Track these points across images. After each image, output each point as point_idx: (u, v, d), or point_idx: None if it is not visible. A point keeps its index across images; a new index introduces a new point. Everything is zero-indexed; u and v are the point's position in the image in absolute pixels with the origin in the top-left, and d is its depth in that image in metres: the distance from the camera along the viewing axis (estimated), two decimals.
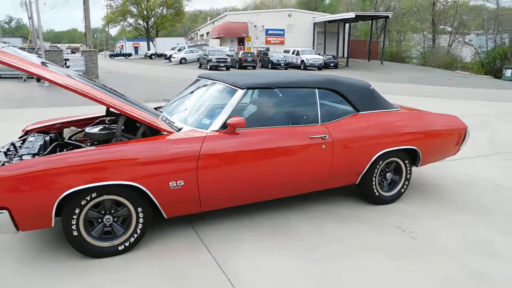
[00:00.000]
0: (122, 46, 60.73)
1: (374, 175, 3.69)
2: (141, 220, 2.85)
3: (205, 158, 2.88)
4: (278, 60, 29.12)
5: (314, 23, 37.29)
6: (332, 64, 30.48)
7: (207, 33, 43.18)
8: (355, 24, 41.83)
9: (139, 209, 2.82)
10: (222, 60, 25.39)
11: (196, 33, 53.88)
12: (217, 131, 3.00)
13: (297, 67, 29.81)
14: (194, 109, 3.38)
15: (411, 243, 3.13)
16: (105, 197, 2.70)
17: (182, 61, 31.62)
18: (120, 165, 2.66)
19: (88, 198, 2.64)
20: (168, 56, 35.08)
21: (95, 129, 3.26)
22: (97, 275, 2.60)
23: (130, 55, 49.52)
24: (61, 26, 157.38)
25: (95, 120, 3.86)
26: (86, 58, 15.91)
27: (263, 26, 35.58)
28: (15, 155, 2.95)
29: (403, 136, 3.71)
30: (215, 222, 3.36)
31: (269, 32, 36.06)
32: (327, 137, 3.34)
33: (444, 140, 4.04)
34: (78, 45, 48.51)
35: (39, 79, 15.56)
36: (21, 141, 3.36)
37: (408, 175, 3.93)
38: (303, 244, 3.08)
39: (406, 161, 3.87)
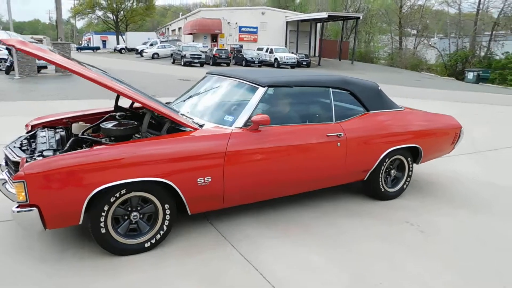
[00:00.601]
0: (89, 39, 58.61)
1: (381, 172, 3.86)
2: (167, 217, 2.84)
3: (231, 155, 2.90)
4: (252, 58, 29.20)
5: (287, 22, 37.64)
6: (304, 63, 30.94)
7: (179, 28, 42.54)
8: (326, 24, 42.65)
9: (166, 206, 2.81)
10: (196, 56, 25.14)
11: (167, 28, 52.91)
12: (241, 128, 3.03)
13: (270, 65, 30.01)
14: (213, 106, 3.39)
15: (421, 236, 3.30)
16: (133, 193, 2.68)
17: (155, 56, 30.99)
18: (152, 161, 2.64)
19: (117, 194, 2.61)
20: (139, 50, 34.28)
21: (110, 125, 3.20)
22: (129, 274, 2.56)
23: (98, 48, 47.90)
24: (21, 16, 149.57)
25: (103, 115, 3.79)
26: (59, 51, 15.28)
27: (236, 23, 35.52)
28: (33, 151, 2.85)
29: (408, 135, 3.89)
30: (232, 219, 3.39)
31: (243, 29, 36.05)
32: (342, 135, 3.45)
33: (443, 138, 4.27)
34: (41, 36, 46.27)
35: (8, 71, 14.80)
36: (30, 137, 3.25)
37: (410, 172, 4.13)
38: (320, 237, 3.18)
39: (409, 159, 4.06)
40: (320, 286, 2.53)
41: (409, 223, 3.54)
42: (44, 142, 2.91)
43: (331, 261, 2.83)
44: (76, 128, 3.58)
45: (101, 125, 3.22)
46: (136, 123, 3.28)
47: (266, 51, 31.00)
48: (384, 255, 2.96)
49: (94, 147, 2.61)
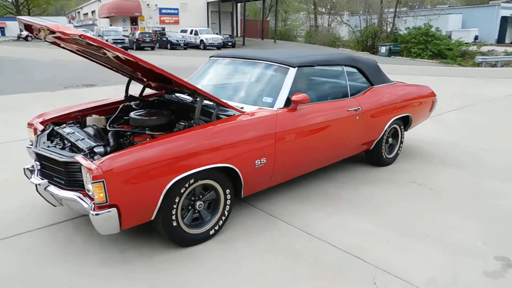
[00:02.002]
0: None
1: (384, 140, 4.24)
2: (228, 202, 2.85)
3: (280, 135, 2.99)
4: (177, 40, 28.35)
5: (208, 2, 36.90)
6: (230, 44, 30.90)
7: (93, 12, 39.12)
8: (246, 4, 42.67)
9: (227, 191, 2.82)
10: (119, 40, 23.64)
11: (78, 12, 48.22)
12: (282, 108, 3.11)
13: (196, 47, 29.45)
14: (245, 89, 3.40)
15: (432, 193, 3.75)
16: (199, 182, 2.64)
17: None
18: (218, 147, 2.62)
19: (186, 185, 2.55)
20: None
21: (139, 115, 3.05)
22: (209, 261, 2.56)
23: None
24: None
25: (114, 105, 3.58)
26: None
27: (156, 5, 33.81)
28: (72, 149, 2.62)
29: (404, 105, 4.31)
30: (269, 199, 3.49)
31: (163, 11, 34.48)
32: (360, 109, 3.71)
33: (425, 107, 4.78)
34: None
35: None
36: (50, 135, 2.96)
37: (402, 139, 4.58)
38: (354, 205, 3.44)
39: (402, 127, 4.51)
40: (385, 248, 2.79)
41: (416, 183, 3.98)
42: (82, 139, 2.69)
43: (377, 225, 3.10)
44: (91, 121, 3.33)
45: (132, 116, 3.05)
46: (166, 112, 3.17)
47: (191, 33, 30.27)
48: (415, 212, 3.32)
49: (165, 138, 2.49)
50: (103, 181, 2.16)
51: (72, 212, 3.16)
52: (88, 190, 2.38)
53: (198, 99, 2.85)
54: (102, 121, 3.44)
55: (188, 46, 28.79)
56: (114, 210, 2.23)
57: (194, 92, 2.80)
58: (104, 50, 2.67)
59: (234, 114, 2.97)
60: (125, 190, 2.26)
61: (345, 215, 3.24)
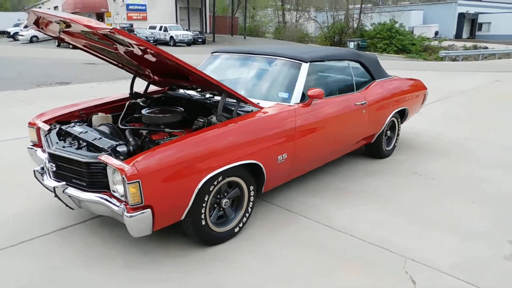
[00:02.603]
0: None
1: (385, 133, 4.34)
2: (251, 199, 2.83)
3: (299, 130, 2.99)
4: (146, 37, 27.62)
5: None
6: (200, 40, 30.51)
7: (55, 7, 37.28)
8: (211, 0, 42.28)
9: (251, 188, 2.79)
10: None
11: (40, 7, 45.74)
12: (299, 103, 3.11)
13: (165, 43, 28.85)
14: (258, 85, 3.37)
15: (434, 182, 3.88)
16: (226, 180, 2.59)
17: (33, 40, 26.94)
18: (245, 144, 2.59)
19: (215, 183, 2.50)
20: (12, 33, 29.33)
21: (150, 112, 2.97)
22: (241, 256, 2.53)
23: None
24: None
25: (119, 103, 3.46)
26: None
27: (123, 0, 32.70)
28: (90, 149, 2.50)
29: (402, 99, 4.43)
30: (281, 194, 3.49)
31: (130, 7, 33.40)
32: (366, 103, 3.78)
33: (418, 100, 4.94)
34: None
35: None
36: (58, 135, 2.81)
37: (399, 131, 4.72)
38: (364, 196, 3.51)
39: (399, 119, 4.63)
40: (403, 237, 2.86)
41: (417, 174, 4.11)
42: (99, 138, 2.56)
43: (391, 215, 3.18)
44: (97, 120, 3.20)
45: (145, 113, 2.95)
46: (179, 108, 3.09)
47: (160, 29, 29.58)
48: (422, 201, 3.43)
49: (193, 136, 2.42)
50: (138, 182, 2.07)
51: (83, 214, 3.03)
52: (114, 191, 2.28)
53: (221, 95, 2.79)
54: (108, 119, 3.30)
55: (157, 42, 28.15)
56: (148, 211, 2.15)
57: (217, 88, 2.74)
58: (120, 45, 2.56)
59: (251, 110, 2.94)
60: (159, 190, 2.18)
61: (358, 207, 3.29)
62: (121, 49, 2.75)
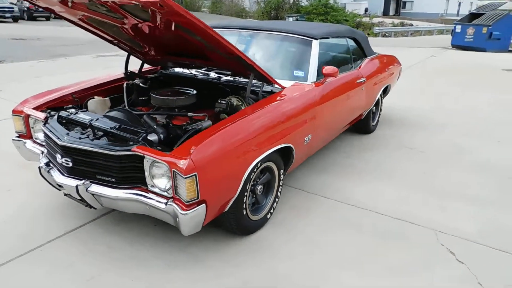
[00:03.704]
0: None
1: (374, 108, 4.44)
2: (281, 183, 2.72)
3: (318, 109, 2.92)
4: None
5: None
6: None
7: None
8: None
9: (281, 171, 2.68)
10: (7, 9, 20.01)
11: None
12: (315, 82, 3.03)
13: None
14: (269, 62, 3.19)
15: (424, 154, 4.08)
16: (262, 165, 2.45)
17: None
18: (285, 127, 2.46)
19: (255, 170, 2.35)
20: None
21: (158, 94, 2.71)
22: (283, 246, 2.44)
23: None
24: None
25: (110, 84, 3.12)
26: None
27: None
28: (112, 139, 2.20)
29: (387, 76, 4.54)
30: (291, 175, 3.42)
31: None
32: (365, 80, 3.80)
33: (396, 75, 5.10)
34: None
35: None
36: (61, 124, 2.44)
37: (381, 106, 4.86)
38: (368, 171, 3.60)
39: (382, 95, 4.77)
40: (426, 209, 2.97)
41: (407, 147, 4.28)
42: (119, 126, 2.26)
43: (402, 187, 3.29)
44: (94, 104, 2.85)
45: (154, 96, 2.67)
46: (192, 90, 2.84)
47: None
48: (426, 172, 3.58)
49: (237, 121, 2.23)
50: (195, 175, 1.86)
51: (88, 212, 2.70)
52: (152, 186, 2.04)
53: (249, 75, 2.59)
54: (107, 104, 2.96)
55: None
56: (203, 206, 1.96)
57: (246, 68, 2.54)
58: (134, 18, 2.25)
59: (271, 91, 2.80)
60: (212, 182, 1.99)
61: (372, 183, 3.35)
62: (129, 24, 2.43)
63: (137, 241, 2.45)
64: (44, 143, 2.60)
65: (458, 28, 14.76)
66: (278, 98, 2.62)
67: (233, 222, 2.35)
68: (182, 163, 1.84)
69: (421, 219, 2.80)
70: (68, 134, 2.23)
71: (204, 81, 3.06)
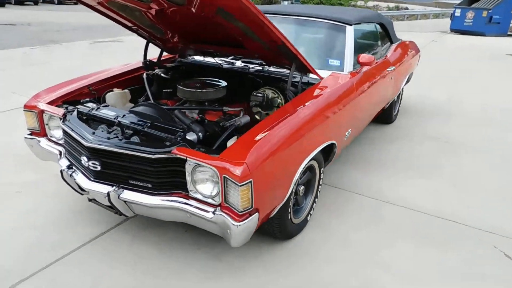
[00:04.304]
0: None
1: (395, 97, 4.25)
2: (320, 182, 2.52)
3: (356, 101, 2.71)
4: None
5: None
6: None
7: None
8: None
9: (322, 170, 2.48)
10: None
11: None
12: (352, 71, 2.81)
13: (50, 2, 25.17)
14: (302, 50, 2.93)
15: (450, 144, 3.91)
16: (307, 165, 2.24)
17: None
18: (328, 123, 2.25)
19: (300, 170, 2.14)
20: None
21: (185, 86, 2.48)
22: (329, 250, 2.26)
23: None
24: None
25: (128, 75, 2.86)
26: None
27: None
28: (144, 138, 1.97)
29: (410, 63, 4.33)
30: None
31: None
32: (394, 68, 3.59)
33: (416, 63, 4.90)
34: None
35: None
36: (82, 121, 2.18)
37: (402, 95, 4.67)
38: (394, 163, 3.44)
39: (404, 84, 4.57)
40: (464, 206, 2.80)
41: (431, 138, 4.10)
42: (150, 123, 2.02)
43: (433, 181, 3.13)
44: (112, 98, 2.60)
45: (182, 88, 2.43)
46: (222, 81, 2.61)
47: None
48: (454, 166, 3.42)
49: (272, 117, 2.01)
50: (250, 182, 1.65)
51: (113, 218, 2.48)
52: (194, 192, 1.83)
53: (291, 65, 2.35)
54: (127, 96, 2.71)
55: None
56: (256, 215, 1.75)
57: (288, 57, 2.30)
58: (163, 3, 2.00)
59: (308, 81, 2.58)
60: (266, 188, 1.78)
61: (398, 176, 3.20)
62: (156, 8, 2.17)
63: (167, 249, 2.24)
64: (62, 142, 2.35)
65: (458, 12, 14.56)
66: (320, 91, 2.40)
67: (277, 227, 2.15)
68: (237, 169, 1.62)
69: (461, 218, 2.63)
70: (94, 133, 1.98)
71: (231, 71, 2.82)
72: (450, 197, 2.91)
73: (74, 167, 2.12)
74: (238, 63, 2.92)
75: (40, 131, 2.45)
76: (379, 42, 3.61)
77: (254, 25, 1.96)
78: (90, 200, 2.14)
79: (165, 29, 2.61)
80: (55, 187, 2.81)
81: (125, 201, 1.92)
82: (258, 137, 1.81)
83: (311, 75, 2.56)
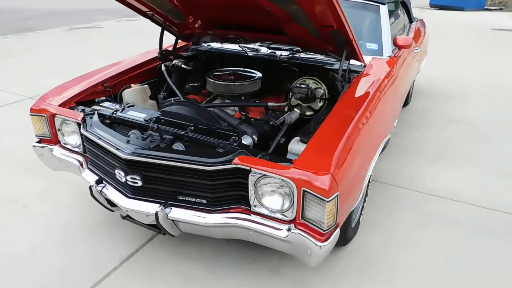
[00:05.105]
0: None
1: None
2: (371, 179, 2.30)
3: (398, 88, 2.50)
4: None
5: None
6: None
7: None
8: None
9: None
10: None
11: None
12: (391, 56, 2.58)
13: None
14: None
15: (471, 128, 3.78)
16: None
17: None
18: (387, 116, 2.02)
19: (371, 170, 1.91)
20: None
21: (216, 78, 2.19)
22: (386, 253, 2.07)
23: None
24: None
25: (142, 68, 2.53)
26: None
27: None
28: (187, 144, 1.69)
29: (428, 42, 4.14)
30: None
31: None
32: (420, 50, 3.38)
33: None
34: None
35: None
36: (105, 128, 1.86)
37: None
38: (426, 150, 3.28)
39: None
40: (508, 195, 2.69)
41: (452, 121, 3.96)
42: (194, 126, 1.73)
43: (471, 165, 3.02)
44: (131, 94, 2.28)
45: (213, 81, 2.15)
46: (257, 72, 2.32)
47: None
48: (485, 151, 3.29)
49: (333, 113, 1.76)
50: (337, 196, 1.40)
51: (141, 231, 2.19)
52: (258, 206, 1.57)
53: (342, 52, 2.08)
54: (147, 92, 2.38)
55: None
56: (338, 231, 1.52)
57: (332, 42, 2.03)
58: None
59: (350, 69, 2.33)
60: (346, 198, 1.54)
61: (436, 166, 3.02)
62: None
63: (215, 265, 1.99)
64: (79, 150, 2.02)
65: None
66: (371, 81, 2.15)
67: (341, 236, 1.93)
68: (322, 182, 1.37)
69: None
70: (128, 141, 1.67)
71: (258, 59, 2.53)
72: (495, 186, 2.76)
73: (104, 181, 1.81)
74: (264, 50, 2.63)
75: (52, 138, 2.10)
76: (404, 22, 3.37)
77: (313, 8, 1.68)
78: (124, 217, 1.84)
79: (187, 13, 2.28)
80: (65, 196, 2.50)
81: (173, 220, 1.64)
82: (334, 140, 1.56)
83: (356, 62, 2.31)
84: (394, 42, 2.60)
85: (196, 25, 2.43)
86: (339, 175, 1.42)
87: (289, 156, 1.69)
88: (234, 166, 1.52)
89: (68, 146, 2.08)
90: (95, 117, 1.89)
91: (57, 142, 2.11)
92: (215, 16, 2.26)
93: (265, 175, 1.48)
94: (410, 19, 3.72)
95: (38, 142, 2.13)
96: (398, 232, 2.25)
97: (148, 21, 2.40)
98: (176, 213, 1.63)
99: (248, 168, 1.50)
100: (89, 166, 1.93)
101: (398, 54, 2.62)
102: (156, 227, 1.72)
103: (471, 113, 4.12)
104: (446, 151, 3.29)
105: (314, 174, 1.39)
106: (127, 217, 1.83)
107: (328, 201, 1.36)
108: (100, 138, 1.74)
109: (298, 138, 1.70)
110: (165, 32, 2.55)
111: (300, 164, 1.45)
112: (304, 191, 1.41)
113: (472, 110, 4.22)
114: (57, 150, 2.09)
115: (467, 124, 3.87)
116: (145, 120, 1.81)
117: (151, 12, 2.31)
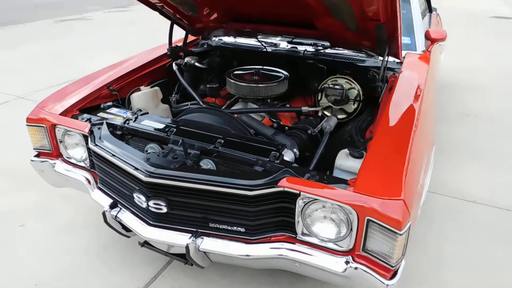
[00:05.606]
0: None
1: None
2: None
3: (433, 85, 2.28)
4: None
5: None
6: None
7: None
8: None
9: None
10: None
11: None
12: (424, 50, 2.36)
13: None
14: None
15: (493, 123, 3.58)
16: None
17: None
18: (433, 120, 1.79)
19: (427, 186, 1.70)
20: None
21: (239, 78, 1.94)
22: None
23: None
24: None
25: (150, 67, 2.26)
26: None
27: None
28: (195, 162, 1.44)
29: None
30: None
31: None
32: (442, 44, 3.15)
33: None
34: None
35: None
36: (120, 138, 1.60)
37: None
38: (453, 150, 3.08)
39: None
40: None
41: (471, 116, 3.75)
42: (222, 139, 1.48)
43: (504, 167, 2.83)
44: (141, 98, 2.01)
45: (234, 82, 1.90)
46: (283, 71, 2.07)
47: None
48: (507, 145, 3.15)
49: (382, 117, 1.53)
50: (409, 226, 1.18)
51: (156, 256, 1.94)
52: (307, 234, 1.34)
53: (384, 48, 1.84)
54: (158, 95, 2.11)
55: None
56: (403, 262, 1.29)
57: (372, 38, 1.78)
58: None
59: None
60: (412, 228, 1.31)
61: (468, 168, 2.84)
62: None
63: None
64: (86, 165, 1.76)
65: None
66: (413, 80, 1.92)
67: None
68: (394, 211, 1.14)
69: None
70: (148, 159, 1.41)
71: (279, 55, 2.27)
72: None
73: (119, 205, 1.55)
74: (283, 45, 2.38)
75: (52, 151, 1.82)
76: (426, 10, 3.14)
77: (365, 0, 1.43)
78: (143, 245, 1.59)
79: (203, 4, 2.01)
80: (65, 213, 2.23)
81: (205, 252, 1.40)
82: (391, 157, 1.33)
83: (392, 58, 2.07)
84: (427, 35, 2.37)
85: (212, 17, 2.15)
86: (409, 200, 1.19)
87: (336, 173, 1.45)
88: (281, 189, 1.28)
89: (72, 160, 1.81)
90: (104, 128, 1.63)
91: (58, 155, 1.84)
92: (234, 7, 1.99)
93: (316, 199, 1.25)
94: (430, 9, 3.48)
95: (36, 155, 1.86)
96: (446, 248, 2.05)
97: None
98: (209, 244, 1.39)
99: (297, 192, 1.26)
100: (99, 186, 1.67)
101: (430, 48, 2.39)
102: (182, 256, 1.48)
103: (491, 108, 3.91)
104: (474, 151, 3.09)
105: (382, 200, 1.16)
106: (145, 244, 1.58)
107: (401, 234, 1.14)
108: (114, 156, 1.48)
109: (347, 151, 1.45)
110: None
111: (362, 187, 1.21)
112: (368, 220, 1.18)
113: (491, 104, 4.02)
114: (59, 165, 1.81)
115: (489, 119, 3.68)
116: (164, 131, 1.56)
117: (161, 4, 2.03)
